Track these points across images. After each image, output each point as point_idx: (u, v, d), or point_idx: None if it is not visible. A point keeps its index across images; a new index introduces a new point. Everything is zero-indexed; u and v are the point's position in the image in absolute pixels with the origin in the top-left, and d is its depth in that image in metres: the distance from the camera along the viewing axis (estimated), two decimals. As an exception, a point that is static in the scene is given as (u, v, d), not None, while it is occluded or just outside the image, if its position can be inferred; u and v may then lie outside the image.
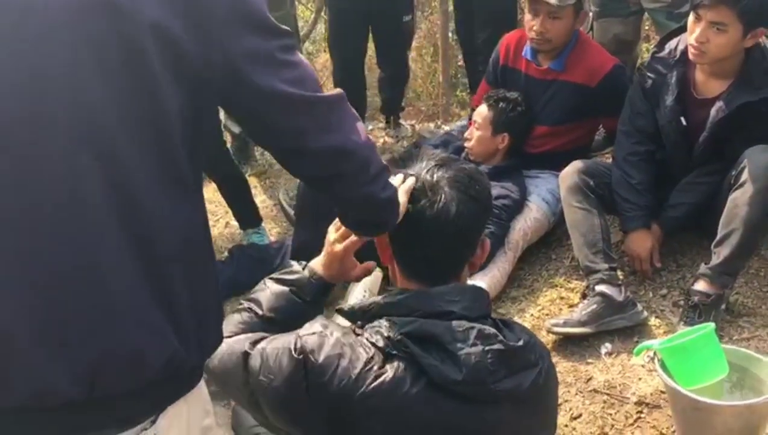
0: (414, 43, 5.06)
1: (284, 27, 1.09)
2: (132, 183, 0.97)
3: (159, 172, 0.99)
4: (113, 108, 0.94)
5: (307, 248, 2.65)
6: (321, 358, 1.13)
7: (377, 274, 2.55)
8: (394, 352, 1.13)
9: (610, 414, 2.12)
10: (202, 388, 1.20)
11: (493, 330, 1.17)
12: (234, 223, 3.26)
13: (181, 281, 1.03)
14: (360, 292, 2.47)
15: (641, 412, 2.11)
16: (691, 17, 2.24)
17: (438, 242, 1.23)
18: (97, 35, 0.92)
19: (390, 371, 1.12)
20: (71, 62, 0.92)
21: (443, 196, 1.22)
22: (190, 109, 1.01)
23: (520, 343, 1.18)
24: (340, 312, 1.26)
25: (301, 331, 1.19)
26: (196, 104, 1.02)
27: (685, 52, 2.33)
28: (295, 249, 2.75)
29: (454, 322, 1.15)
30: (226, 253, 3.04)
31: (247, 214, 3.15)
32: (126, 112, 0.95)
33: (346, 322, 1.26)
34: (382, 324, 1.16)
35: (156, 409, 1.07)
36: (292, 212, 3.22)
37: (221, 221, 3.42)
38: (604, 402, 2.16)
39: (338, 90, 1.17)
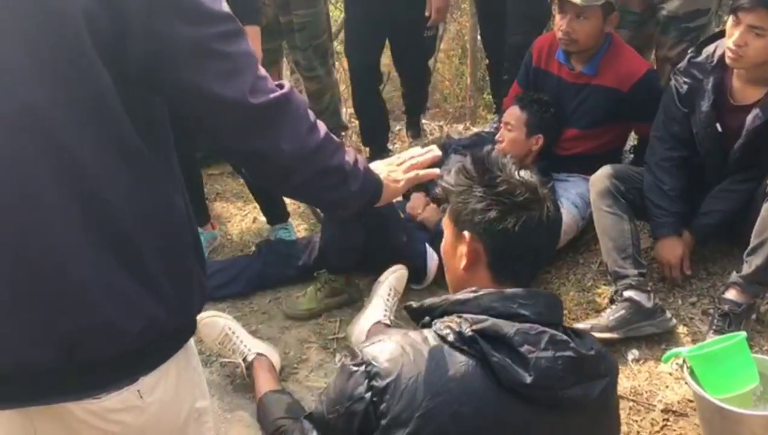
0: (442, 45, 5.06)
1: (225, 11, 1.04)
2: (81, 163, 0.97)
3: (110, 153, 0.99)
4: (51, 92, 0.94)
5: (335, 245, 2.68)
6: (383, 362, 1.12)
7: (403, 272, 2.56)
8: (464, 347, 1.12)
9: (636, 421, 2.10)
10: (192, 360, 1.22)
11: (564, 337, 1.15)
12: (262, 218, 3.28)
13: (152, 251, 1.05)
14: (386, 290, 2.48)
15: (667, 419, 2.09)
16: (730, 21, 2.22)
17: (551, 243, 1.27)
18: (31, 22, 0.91)
19: (459, 368, 1.10)
20: (3, 48, 0.91)
21: (546, 197, 1.23)
22: (124, 91, 0.99)
23: (592, 352, 1.17)
24: (408, 309, 1.26)
25: (360, 346, 1.17)
26: (127, 87, 0.99)
27: (722, 57, 2.30)
28: (322, 246, 2.76)
29: (526, 325, 1.14)
30: (253, 248, 3.06)
31: (274, 210, 3.17)
32: (65, 95, 0.94)
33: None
34: (452, 319, 1.15)
35: (141, 371, 1.10)
36: (319, 209, 3.24)
37: (249, 216, 3.44)
38: (630, 408, 2.14)
39: (287, 88, 1.11)
